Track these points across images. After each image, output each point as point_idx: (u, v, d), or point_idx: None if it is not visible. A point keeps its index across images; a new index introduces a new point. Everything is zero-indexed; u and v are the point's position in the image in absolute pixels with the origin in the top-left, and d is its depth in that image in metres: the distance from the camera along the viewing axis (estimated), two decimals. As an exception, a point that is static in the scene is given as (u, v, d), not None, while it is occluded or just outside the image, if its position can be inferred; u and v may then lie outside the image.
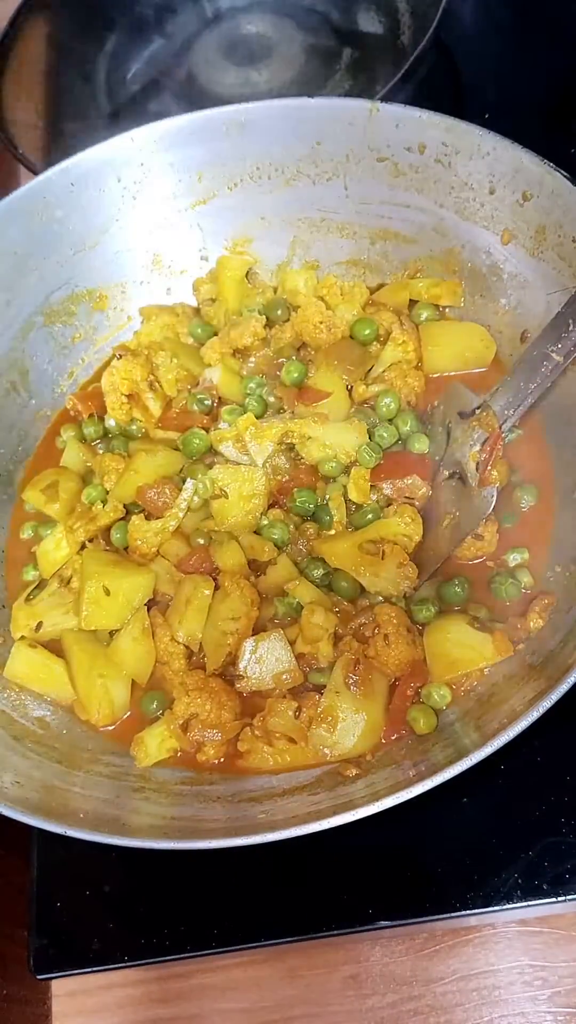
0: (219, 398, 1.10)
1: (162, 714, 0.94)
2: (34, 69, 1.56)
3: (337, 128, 1.09)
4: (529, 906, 0.89)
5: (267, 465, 1.02)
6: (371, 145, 1.08)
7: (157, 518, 1.01)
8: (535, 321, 1.02)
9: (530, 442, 1.02)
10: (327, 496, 1.01)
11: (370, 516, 0.98)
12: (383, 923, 0.89)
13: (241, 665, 0.92)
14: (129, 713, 0.96)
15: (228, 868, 0.93)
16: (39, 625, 1.00)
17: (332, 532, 1.00)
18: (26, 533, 1.10)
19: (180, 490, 1.01)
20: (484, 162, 1.02)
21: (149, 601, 0.98)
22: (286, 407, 1.06)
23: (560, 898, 0.88)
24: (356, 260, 1.19)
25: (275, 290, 1.21)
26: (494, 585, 0.94)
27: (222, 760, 0.91)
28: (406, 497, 0.99)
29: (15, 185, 1.35)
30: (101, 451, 1.13)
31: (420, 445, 1.03)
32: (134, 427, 1.13)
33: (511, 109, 1.39)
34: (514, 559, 0.96)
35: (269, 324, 1.16)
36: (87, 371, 1.22)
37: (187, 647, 0.95)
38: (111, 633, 0.98)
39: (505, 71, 1.49)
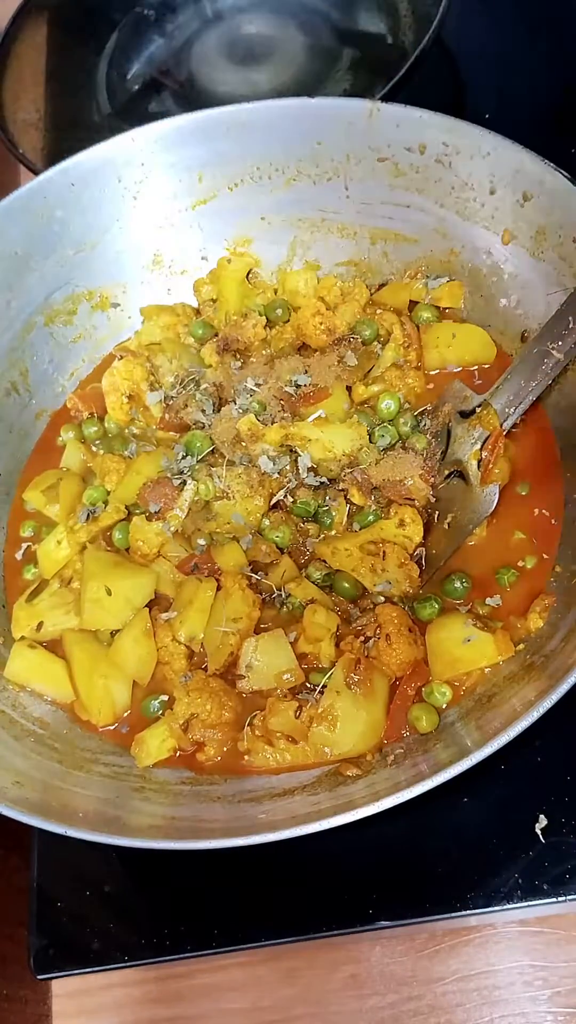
0: (219, 399, 1.10)
1: (163, 714, 0.94)
2: (34, 69, 1.56)
3: (337, 128, 1.09)
4: (529, 906, 0.89)
5: (268, 466, 1.02)
6: (371, 145, 1.08)
7: (158, 519, 1.01)
8: (536, 321, 1.03)
9: (536, 439, 1.01)
10: (328, 497, 1.01)
11: (371, 517, 0.98)
12: (383, 923, 0.89)
13: (242, 665, 0.92)
14: (129, 712, 0.96)
15: (228, 868, 0.92)
16: (40, 625, 1.00)
17: (333, 533, 1.00)
18: (26, 532, 1.10)
19: (181, 491, 1.01)
20: (485, 162, 1.02)
21: (150, 602, 0.98)
22: (285, 408, 1.06)
23: (560, 898, 0.88)
24: (356, 260, 1.19)
25: (275, 291, 1.21)
26: (498, 575, 0.95)
27: (222, 760, 0.91)
28: (406, 498, 0.99)
29: (15, 185, 1.35)
30: (101, 451, 1.13)
31: (420, 445, 1.03)
32: (134, 427, 1.13)
33: (512, 109, 1.39)
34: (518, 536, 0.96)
35: (269, 324, 1.16)
36: (87, 371, 1.22)
37: (188, 647, 0.95)
38: (112, 634, 0.98)
39: (506, 71, 1.49)
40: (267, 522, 1.00)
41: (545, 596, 0.91)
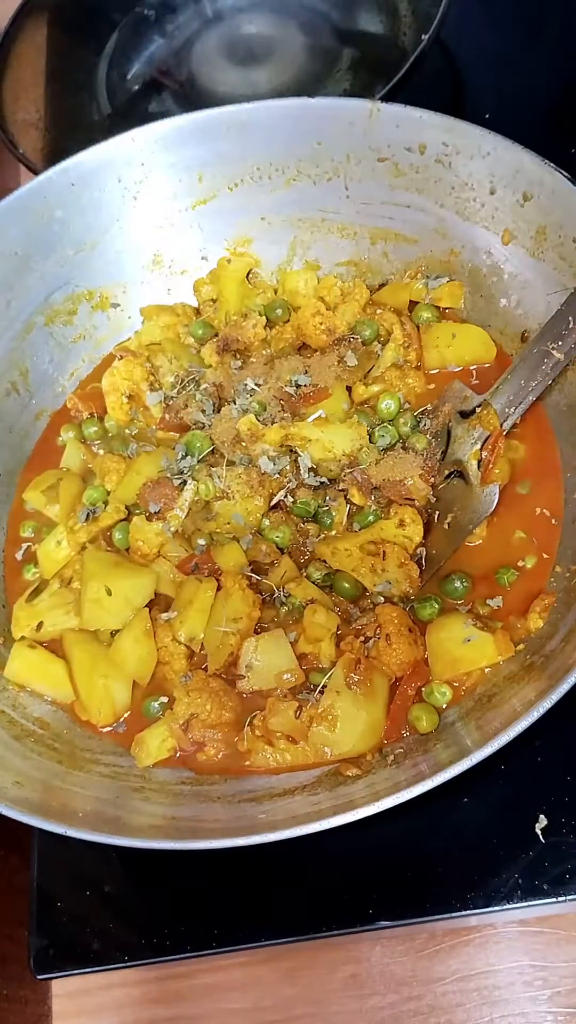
0: (219, 399, 1.10)
1: (163, 714, 0.94)
2: (34, 69, 1.56)
3: (337, 128, 1.09)
4: (529, 906, 0.89)
5: (268, 466, 1.02)
6: (371, 145, 1.09)
7: (158, 519, 1.01)
8: (536, 321, 1.03)
9: (536, 439, 1.01)
10: (328, 497, 1.01)
11: (371, 517, 0.98)
12: (383, 923, 0.89)
13: (242, 665, 0.92)
14: (129, 713, 0.96)
15: (228, 868, 0.92)
16: (40, 625, 1.00)
17: (333, 533, 1.00)
18: (26, 532, 1.10)
19: (181, 491, 1.01)
20: (485, 162, 1.02)
21: (150, 602, 0.98)
22: (285, 408, 1.06)
23: (560, 898, 0.88)
24: (356, 260, 1.19)
25: (275, 291, 1.21)
26: (498, 574, 0.95)
27: (222, 760, 0.91)
28: (406, 498, 0.99)
29: (15, 185, 1.35)
30: (101, 451, 1.13)
31: (420, 445, 1.03)
32: (134, 427, 1.13)
33: (512, 109, 1.39)
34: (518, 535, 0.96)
35: (269, 324, 1.16)
36: (87, 371, 1.22)
37: (188, 647, 0.95)
38: (112, 634, 0.98)
39: (506, 71, 1.49)
40: (267, 522, 1.00)
41: (545, 596, 0.91)
